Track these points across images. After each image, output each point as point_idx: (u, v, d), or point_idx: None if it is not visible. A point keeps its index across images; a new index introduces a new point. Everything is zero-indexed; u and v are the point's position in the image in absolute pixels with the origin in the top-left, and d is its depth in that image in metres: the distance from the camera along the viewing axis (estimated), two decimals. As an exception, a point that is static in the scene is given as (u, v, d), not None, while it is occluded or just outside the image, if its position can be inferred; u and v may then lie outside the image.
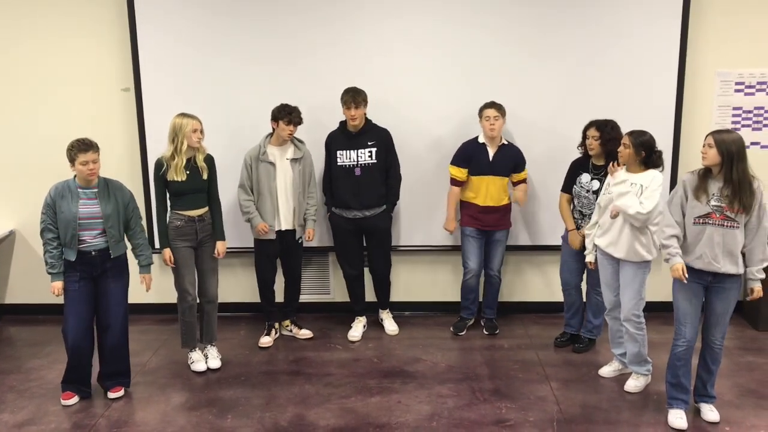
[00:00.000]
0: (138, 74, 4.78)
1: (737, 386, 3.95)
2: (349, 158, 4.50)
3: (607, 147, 4.06)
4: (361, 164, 4.49)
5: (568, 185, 4.33)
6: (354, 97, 4.37)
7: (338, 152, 4.52)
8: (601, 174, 4.12)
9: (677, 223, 3.41)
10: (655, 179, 3.66)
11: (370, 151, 4.49)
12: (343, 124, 4.55)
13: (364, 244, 4.75)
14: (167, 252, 4.07)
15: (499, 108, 4.42)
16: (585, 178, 4.19)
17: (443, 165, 4.73)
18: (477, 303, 4.84)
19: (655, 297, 4.05)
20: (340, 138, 4.54)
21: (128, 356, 3.98)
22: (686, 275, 3.35)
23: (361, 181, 4.51)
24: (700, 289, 3.43)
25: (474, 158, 4.54)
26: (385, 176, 4.59)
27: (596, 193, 4.10)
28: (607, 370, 4.09)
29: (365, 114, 4.48)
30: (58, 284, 3.70)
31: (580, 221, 4.24)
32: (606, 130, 4.06)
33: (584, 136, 4.18)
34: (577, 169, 4.28)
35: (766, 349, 4.49)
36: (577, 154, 4.32)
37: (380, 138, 4.53)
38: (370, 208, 4.56)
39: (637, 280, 3.76)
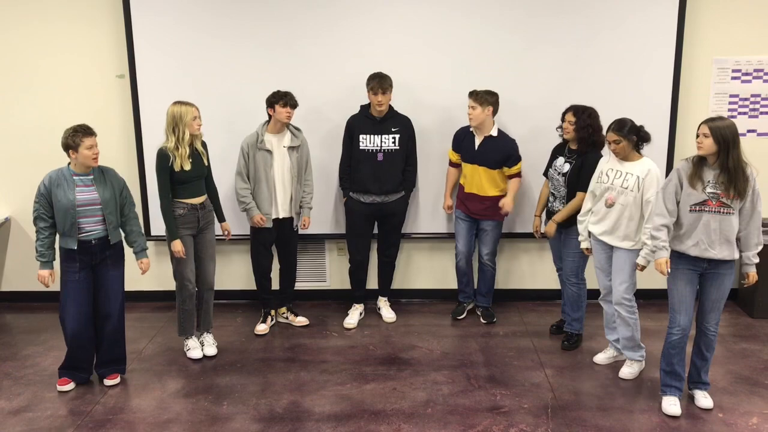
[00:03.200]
0: (133, 60, 4.75)
1: (731, 373, 3.96)
2: (373, 143, 4.50)
3: (580, 134, 4.05)
4: (384, 149, 4.49)
5: (548, 170, 4.36)
6: (381, 83, 4.35)
7: (361, 136, 4.50)
8: (573, 157, 4.12)
9: (670, 212, 3.42)
10: (650, 173, 3.65)
11: (394, 138, 4.50)
12: (365, 108, 4.53)
13: (374, 231, 4.76)
14: (178, 244, 4.04)
15: (477, 97, 4.35)
16: (559, 161, 4.20)
17: (439, 153, 4.72)
18: (472, 286, 4.85)
19: (650, 284, 4.05)
20: (364, 122, 4.52)
21: (124, 344, 3.98)
22: (669, 269, 3.41)
23: (382, 166, 4.51)
24: (694, 277, 3.44)
25: (462, 144, 4.55)
26: (404, 163, 4.59)
27: (565, 175, 4.11)
28: (601, 357, 4.11)
29: (389, 100, 4.47)
30: (45, 272, 3.70)
31: (553, 203, 4.24)
32: (582, 117, 4.04)
33: (563, 119, 4.16)
34: (555, 153, 4.30)
35: (761, 336, 4.51)
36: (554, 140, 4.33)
37: (404, 125, 4.54)
38: (389, 193, 4.58)
39: (629, 264, 3.78)
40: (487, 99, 4.35)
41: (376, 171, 4.52)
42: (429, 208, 4.95)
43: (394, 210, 4.64)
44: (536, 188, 4.76)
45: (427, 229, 5.01)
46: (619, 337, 3.98)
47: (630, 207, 3.72)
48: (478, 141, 4.49)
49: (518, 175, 4.54)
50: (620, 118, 3.72)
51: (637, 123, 3.73)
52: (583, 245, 4.04)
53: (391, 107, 4.52)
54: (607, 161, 3.86)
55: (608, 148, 3.78)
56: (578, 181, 4.06)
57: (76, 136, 3.56)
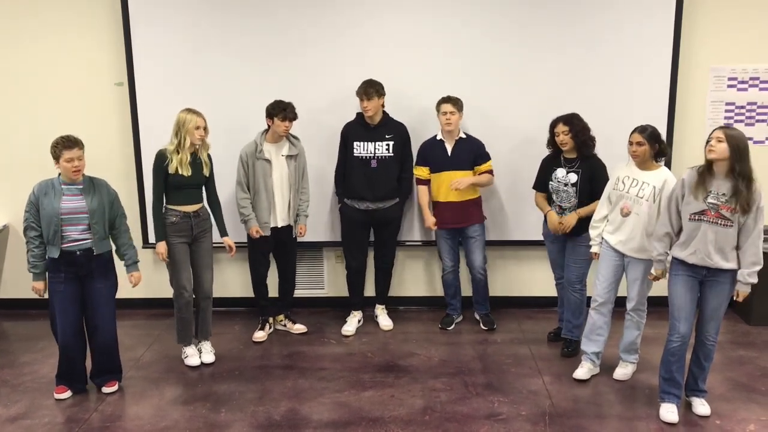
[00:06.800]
0: (132, 68, 4.77)
1: (728, 380, 3.97)
2: (366, 150, 4.51)
3: (579, 139, 4.07)
4: (378, 156, 4.51)
5: (542, 183, 4.33)
6: (365, 88, 4.39)
7: (355, 143, 4.53)
8: (576, 166, 4.13)
9: (673, 222, 3.45)
10: (667, 183, 3.66)
11: (388, 144, 4.51)
12: (360, 115, 4.55)
13: (371, 238, 4.77)
14: (162, 246, 4.06)
15: (455, 103, 4.43)
16: (560, 172, 4.18)
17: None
18: (459, 298, 4.87)
19: (650, 292, 4.07)
20: (358, 129, 4.55)
21: (118, 354, 3.97)
22: (659, 278, 3.57)
23: (376, 173, 4.52)
24: (695, 284, 3.44)
25: (432, 155, 4.56)
26: (399, 169, 4.61)
27: (575, 185, 4.12)
28: (581, 373, 4.02)
29: (382, 106, 4.49)
30: (39, 285, 3.72)
31: (560, 215, 4.22)
32: (574, 123, 4.07)
33: (552, 134, 4.17)
34: (549, 166, 4.28)
35: (758, 343, 4.52)
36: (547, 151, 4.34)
37: (398, 132, 4.55)
38: (383, 200, 4.58)
39: (645, 273, 3.80)
40: (461, 104, 4.46)
41: (370, 178, 4.53)
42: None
43: (389, 217, 4.65)
44: (532, 196, 4.79)
45: (423, 236, 5.02)
46: (598, 351, 4.01)
47: (645, 218, 3.71)
48: (450, 146, 4.52)
49: (490, 172, 4.58)
50: (644, 124, 3.74)
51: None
52: (594, 249, 4.01)
53: (385, 114, 4.54)
54: (624, 167, 3.85)
55: (629, 149, 3.76)
56: (592, 189, 4.06)
57: (57, 148, 3.58)
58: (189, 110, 4.01)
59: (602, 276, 3.95)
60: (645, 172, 3.76)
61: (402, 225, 4.87)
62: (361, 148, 4.52)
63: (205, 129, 4.05)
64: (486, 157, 4.58)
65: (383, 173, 4.54)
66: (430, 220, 4.63)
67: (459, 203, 4.54)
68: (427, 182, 4.61)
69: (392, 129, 4.54)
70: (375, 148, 4.51)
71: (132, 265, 3.88)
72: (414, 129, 4.73)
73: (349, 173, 4.58)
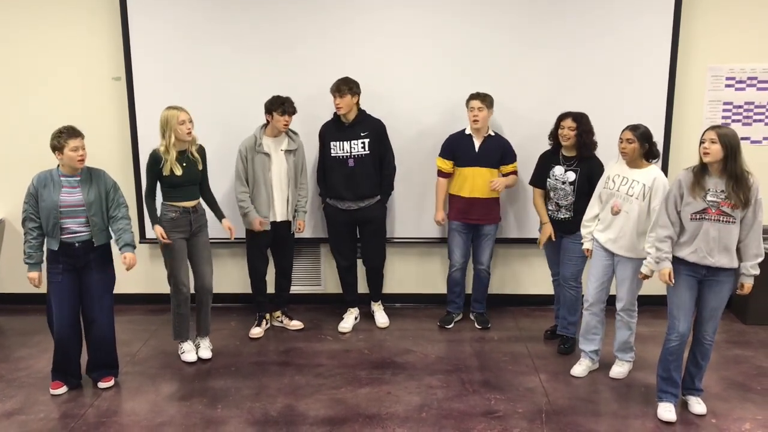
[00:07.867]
0: (129, 63, 4.75)
1: (724, 379, 3.98)
2: (342, 149, 4.49)
3: (582, 139, 4.08)
4: (354, 155, 4.48)
5: (540, 179, 4.34)
6: (338, 86, 4.36)
7: (332, 143, 4.51)
8: (574, 165, 4.14)
9: (672, 222, 3.43)
10: (656, 181, 3.67)
11: (363, 142, 4.48)
12: (336, 114, 4.54)
13: (358, 236, 4.75)
14: (158, 228, 4.02)
15: (483, 99, 4.41)
16: (558, 170, 4.19)
17: (434, 155, 4.72)
18: (463, 297, 4.85)
19: (645, 291, 4.08)
20: (333, 128, 4.53)
21: (115, 348, 3.96)
22: (672, 279, 3.43)
23: (354, 172, 4.50)
24: (694, 283, 3.44)
25: (460, 150, 4.54)
26: (379, 167, 4.57)
27: (572, 183, 4.12)
28: (578, 370, 4.05)
29: (356, 104, 4.47)
30: (34, 275, 3.70)
31: (556, 213, 4.24)
32: (583, 122, 4.07)
33: (558, 127, 4.17)
34: (547, 162, 4.29)
35: (753, 342, 4.53)
36: (547, 146, 4.34)
37: (373, 129, 4.51)
38: (364, 198, 4.56)
39: (635, 273, 3.80)
40: (490, 100, 4.44)
41: (348, 177, 4.51)
42: (421, 212, 4.96)
43: (371, 216, 4.61)
44: (530, 194, 4.78)
45: (420, 233, 5.02)
46: (596, 349, 4.03)
47: (635, 216, 3.72)
48: (478, 143, 4.50)
49: (515, 173, 4.59)
50: (637, 123, 3.75)
51: None
52: (586, 245, 4.03)
53: (362, 111, 4.52)
54: (614, 165, 3.86)
55: (618, 146, 3.77)
56: (590, 188, 4.06)
57: (61, 138, 3.57)
58: (170, 107, 3.98)
59: (593, 276, 3.96)
60: (635, 170, 3.76)
61: (388, 222, 4.84)
62: (338, 148, 4.50)
63: (190, 122, 4.00)
64: (513, 158, 4.56)
65: (361, 172, 4.50)
66: (440, 215, 4.58)
67: (484, 200, 4.53)
68: (448, 176, 4.58)
69: (367, 126, 4.50)
70: (351, 147, 4.48)
71: (125, 246, 3.73)
72: (406, 123, 4.72)
73: (329, 174, 4.57)
